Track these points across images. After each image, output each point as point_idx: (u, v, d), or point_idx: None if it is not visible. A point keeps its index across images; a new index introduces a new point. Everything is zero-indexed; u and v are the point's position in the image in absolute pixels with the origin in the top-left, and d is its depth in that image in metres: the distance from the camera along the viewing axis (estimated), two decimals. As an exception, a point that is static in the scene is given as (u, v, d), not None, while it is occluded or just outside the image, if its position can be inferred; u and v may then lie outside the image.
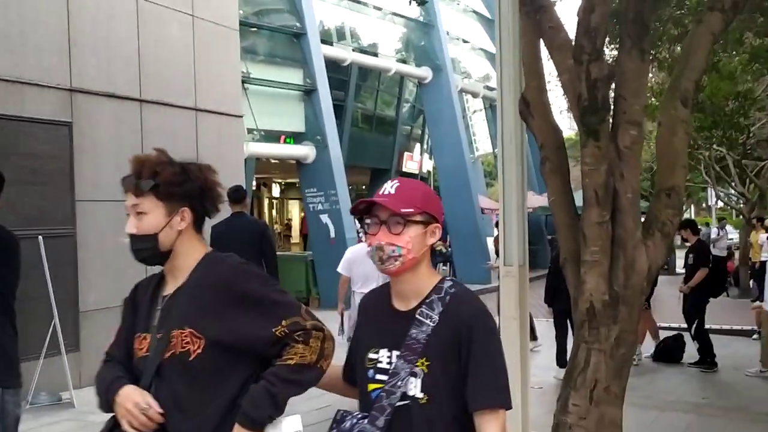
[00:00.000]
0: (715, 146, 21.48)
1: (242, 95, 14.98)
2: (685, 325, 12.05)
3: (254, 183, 25.90)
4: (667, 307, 14.83)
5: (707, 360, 11.54)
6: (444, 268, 23.71)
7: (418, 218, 2.56)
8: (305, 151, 20.05)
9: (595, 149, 4.59)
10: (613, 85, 4.77)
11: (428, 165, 34.94)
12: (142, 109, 10.98)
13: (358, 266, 8.95)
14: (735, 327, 15.54)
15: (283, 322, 2.64)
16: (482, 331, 2.50)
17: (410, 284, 2.60)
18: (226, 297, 2.63)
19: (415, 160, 32.54)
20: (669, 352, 12.06)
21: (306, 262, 18.82)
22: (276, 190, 37.12)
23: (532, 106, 5.18)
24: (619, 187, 4.71)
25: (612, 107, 4.77)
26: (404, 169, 31.49)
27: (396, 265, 2.55)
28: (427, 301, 2.56)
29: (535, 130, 5.20)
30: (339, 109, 22.88)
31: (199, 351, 2.61)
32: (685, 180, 5.22)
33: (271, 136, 20.43)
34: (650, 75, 13.90)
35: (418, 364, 2.50)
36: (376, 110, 28.17)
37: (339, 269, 9.22)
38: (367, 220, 2.58)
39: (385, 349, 2.58)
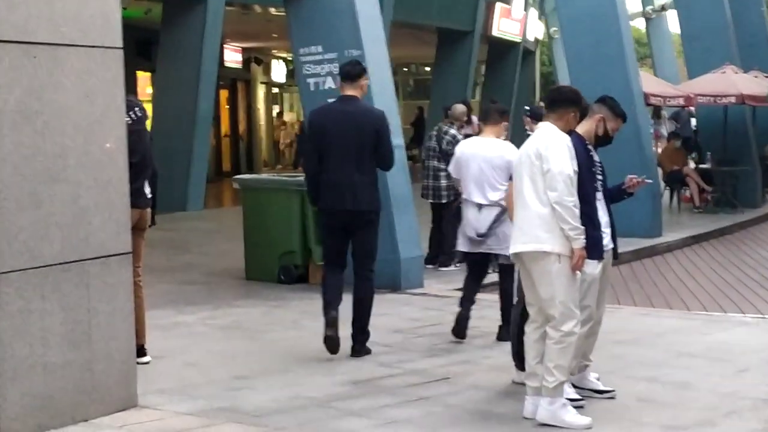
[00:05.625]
0: None
1: None
2: None
3: (223, 54, 19.54)
4: None
5: None
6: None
7: None
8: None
9: None
10: None
11: (536, 29, 27.47)
12: None
13: (467, 167, 7.31)
14: None
15: None
16: None
17: None
18: None
19: (515, 19, 24.89)
20: None
21: (300, 192, 9.50)
22: (281, 71, 27.63)
23: None
24: None
25: None
26: (495, 33, 23.99)
27: None
28: None
29: None
30: None
31: None
32: None
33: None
34: None
35: None
36: None
37: (449, 168, 7.97)
38: None
39: None
